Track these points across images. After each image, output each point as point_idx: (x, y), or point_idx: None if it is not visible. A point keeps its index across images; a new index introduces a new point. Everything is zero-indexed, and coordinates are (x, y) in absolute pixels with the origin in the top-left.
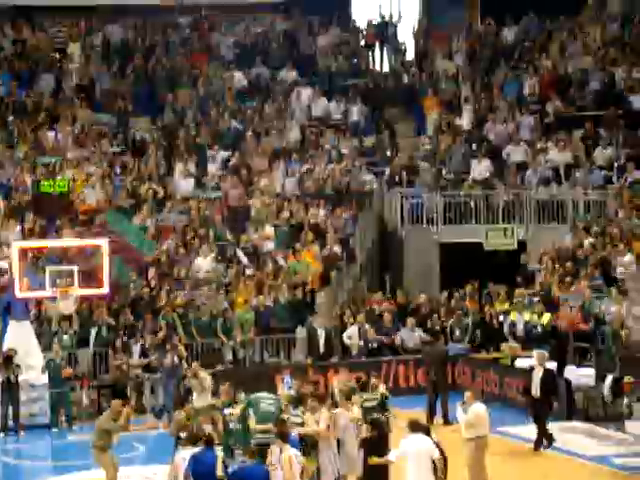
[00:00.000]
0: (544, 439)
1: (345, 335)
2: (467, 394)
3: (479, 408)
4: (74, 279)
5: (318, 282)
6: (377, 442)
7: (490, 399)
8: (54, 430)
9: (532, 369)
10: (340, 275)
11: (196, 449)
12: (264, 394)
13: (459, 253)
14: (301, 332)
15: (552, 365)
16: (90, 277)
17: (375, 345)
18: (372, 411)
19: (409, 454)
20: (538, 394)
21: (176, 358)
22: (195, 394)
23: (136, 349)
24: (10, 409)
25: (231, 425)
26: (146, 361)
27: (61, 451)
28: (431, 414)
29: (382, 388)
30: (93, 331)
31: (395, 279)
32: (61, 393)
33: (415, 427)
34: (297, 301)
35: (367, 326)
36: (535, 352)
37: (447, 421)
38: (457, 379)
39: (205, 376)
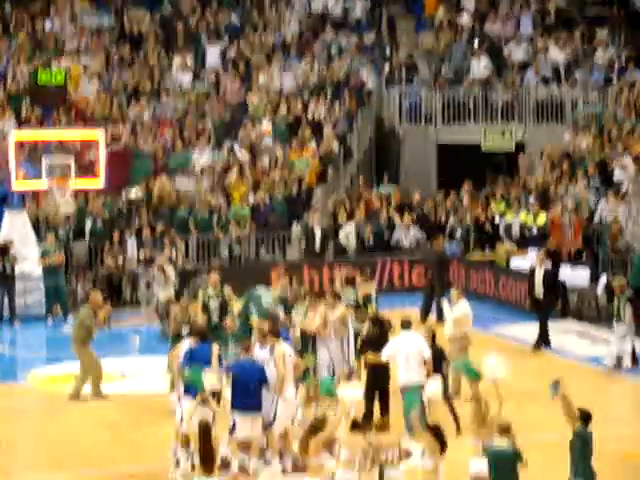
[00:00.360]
0: (542, 340)
1: (342, 233)
2: (453, 292)
3: (465, 306)
4: (70, 171)
5: (315, 179)
6: (377, 339)
7: (485, 299)
8: (49, 321)
9: (533, 271)
10: (337, 172)
11: (192, 343)
12: (263, 290)
13: (457, 153)
14: (297, 229)
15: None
16: (86, 169)
17: (371, 243)
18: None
19: (400, 352)
20: (540, 295)
21: (173, 252)
22: (159, 287)
23: (132, 243)
24: (5, 300)
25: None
26: (142, 255)
27: (55, 342)
28: (425, 312)
29: (373, 287)
30: (88, 222)
31: (392, 178)
32: (56, 285)
33: (406, 325)
34: (294, 198)
35: (363, 224)
36: (535, 253)
37: (440, 319)
38: (452, 279)
39: (170, 270)
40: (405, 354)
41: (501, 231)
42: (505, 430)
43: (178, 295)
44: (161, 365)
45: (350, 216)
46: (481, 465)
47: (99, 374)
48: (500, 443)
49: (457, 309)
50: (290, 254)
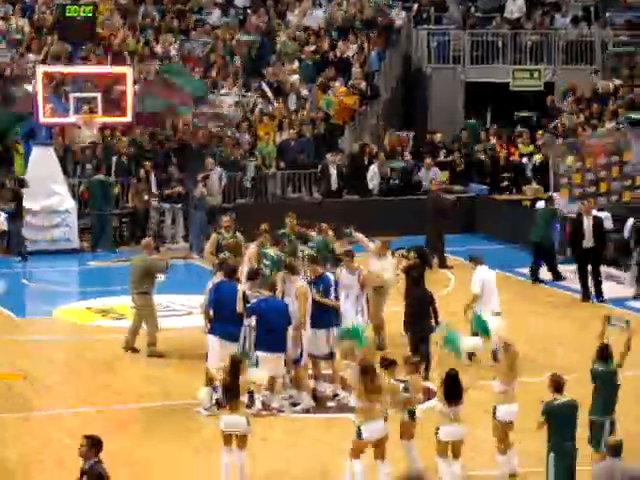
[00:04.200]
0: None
1: (369, 175)
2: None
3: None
4: (98, 106)
5: (342, 118)
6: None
7: (510, 241)
8: (78, 256)
9: (579, 219)
10: (364, 112)
11: (220, 278)
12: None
13: (485, 93)
14: (320, 167)
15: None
16: (114, 105)
17: (396, 182)
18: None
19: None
20: (590, 244)
21: (205, 189)
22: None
23: (153, 179)
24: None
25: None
26: (169, 191)
27: (83, 276)
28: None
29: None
30: (114, 160)
31: (419, 118)
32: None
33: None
34: (320, 136)
35: (387, 165)
36: (585, 201)
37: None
38: (477, 219)
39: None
40: (492, 285)
41: (528, 172)
42: (560, 385)
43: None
44: (191, 302)
45: (375, 157)
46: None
47: (155, 327)
48: (559, 398)
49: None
50: (316, 193)
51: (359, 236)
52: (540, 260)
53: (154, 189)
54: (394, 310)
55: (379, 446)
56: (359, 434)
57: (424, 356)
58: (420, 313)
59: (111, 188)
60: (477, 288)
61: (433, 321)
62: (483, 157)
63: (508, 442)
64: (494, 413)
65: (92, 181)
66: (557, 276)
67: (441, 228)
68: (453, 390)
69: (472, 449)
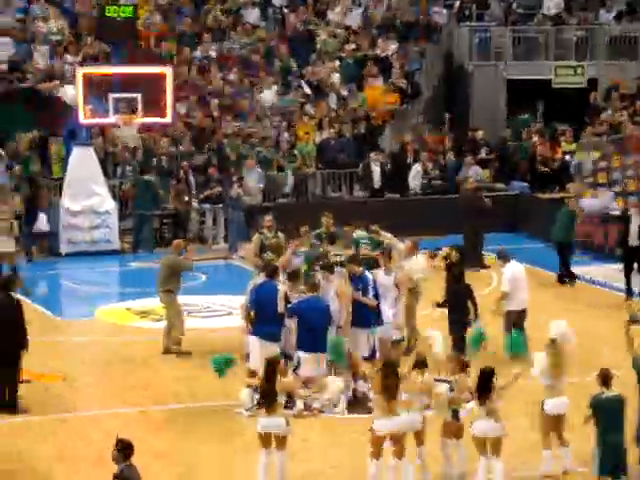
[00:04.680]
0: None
1: (411, 175)
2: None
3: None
4: (137, 107)
5: (382, 117)
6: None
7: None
8: (119, 257)
9: (626, 217)
10: (404, 110)
11: (261, 279)
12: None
13: (527, 91)
14: (360, 167)
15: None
16: (153, 105)
17: (438, 181)
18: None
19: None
20: (635, 243)
21: (241, 190)
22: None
23: (192, 181)
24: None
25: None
26: (209, 192)
27: (123, 277)
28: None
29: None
30: (154, 161)
31: (460, 116)
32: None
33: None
34: (361, 136)
35: (429, 164)
36: (630, 199)
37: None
38: (520, 218)
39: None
40: (522, 282)
41: (572, 170)
42: (608, 379)
43: None
44: (232, 303)
45: (416, 155)
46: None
47: (181, 328)
48: (607, 392)
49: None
50: (357, 192)
51: (387, 236)
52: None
53: (193, 190)
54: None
55: (396, 443)
56: (374, 429)
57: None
58: (458, 308)
59: (155, 189)
60: (507, 286)
61: (472, 316)
62: (525, 155)
63: (561, 437)
64: (542, 407)
65: (138, 180)
66: (571, 277)
67: (478, 227)
68: (484, 386)
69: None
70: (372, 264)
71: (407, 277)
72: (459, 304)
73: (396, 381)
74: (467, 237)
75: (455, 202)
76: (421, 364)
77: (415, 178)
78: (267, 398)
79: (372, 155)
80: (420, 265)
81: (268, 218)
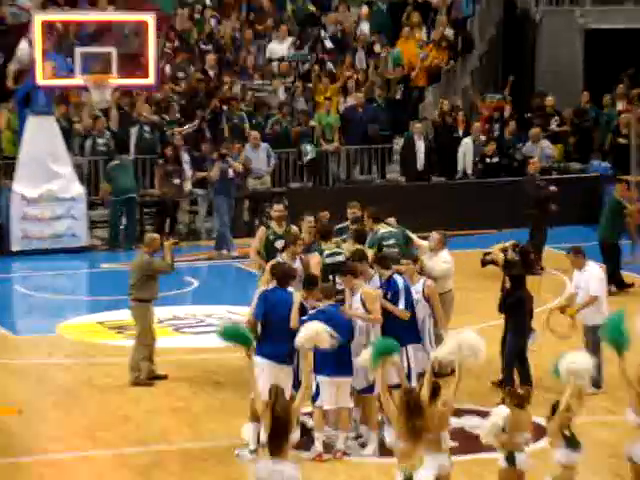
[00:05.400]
0: None
1: (460, 150)
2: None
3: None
4: (112, 65)
5: (424, 78)
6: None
7: None
8: (88, 256)
9: None
10: (453, 69)
11: (272, 285)
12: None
13: (610, 43)
14: (398, 142)
15: None
16: (131, 63)
17: (495, 160)
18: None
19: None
20: None
21: (231, 171)
22: None
23: (187, 158)
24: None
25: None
26: (201, 174)
27: (93, 282)
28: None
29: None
30: (133, 132)
31: (523, 76)
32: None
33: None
34: (396, 102)
35: (483, 138)
36: None
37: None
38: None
39: None
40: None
41: None
42: None
43: None
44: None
45: (468, 127)
46: None
47: (150, 346)
48: None
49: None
50: (391, 175)
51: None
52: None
53: (188, 172)
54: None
55: None
56: None
57: (525, 377)
58: (517, 321)
59: (135, 169)
60: (599, 290)
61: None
62: (608, 127)
63: None
64: (630, 457)
65: (113, 158)
66: (620, 284)
67: (540, 222)
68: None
69: None
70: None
71: (437, 288)
72: (519, 317)
73: (424, 421)
74: (532, 233)
75: (517, 187)
76: (433, 391)
77: (465, 156)
78: (273, 437)
79: (417, 125)
80: (441, 261)
81: (277, 207)
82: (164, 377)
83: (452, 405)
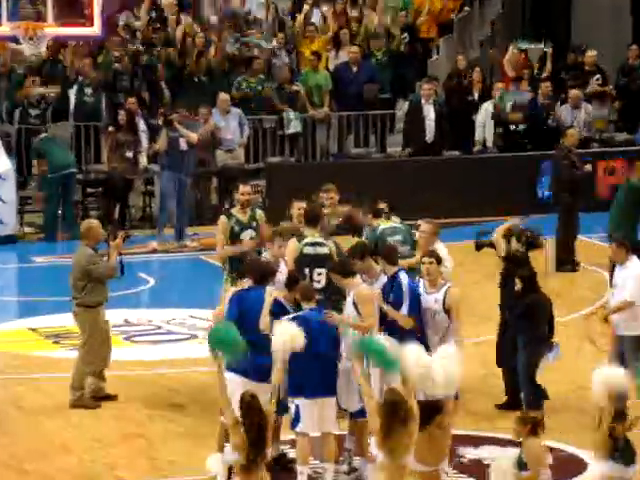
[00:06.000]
0: None
1: (479, 117)
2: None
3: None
4: (47, 11)
5: (434, 28)
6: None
7: None
8: (17, 247)
9: None
10: (468, 17)
11: (245, 285)
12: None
13: None
14: (402, 107)
15: None
16: (71, 9)
17: (522, 129)
18: None
19: None
20: None
21: (182, 141)
22: None
23: (143, 127)
24: None
25: None
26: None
27: (24, 279)
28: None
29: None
30: (72, 94)
31: (557, 26)
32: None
33: None
34: (400, 55)
35: (510, 99)
36: None
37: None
38: None
39: None
40: None
41: None
42: None
43: None
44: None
45: (487, 88)
46: None
47: (105, 359)
48: None
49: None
50: (393, 148)
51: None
52: None
53: (144, 143)
54: None
55: None
56: None
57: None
58: (533, 332)
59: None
60: (636, 294)
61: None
62: None
63: None
64: None
65: (49, 126)
66: None
67: (572, 207)
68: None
69: None
70: None
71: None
72: (534, 326)
73: (411, 432)
74: (561, 221)
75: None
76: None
77: (485, 125)
78: (246, 463)
79: (425, 87)
80: (448, 262)
81: (244, 189)
82: (113, 397)
83: (449, 430)
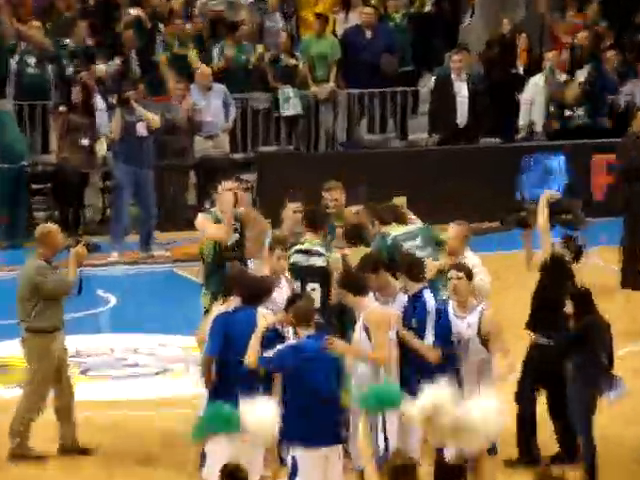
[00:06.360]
0: None
1: (524, 97)
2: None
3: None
4: None
5: None
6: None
7: None
8: None
9: None
10: None
11: (231, 305)
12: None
13: None
14: (427, 83)
15: None
16: None
17: (580, 112)
18: None
19: None
20: None
21: (141, 126)
22: None
23: (102, 105)
24: None
25: None
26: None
27: None
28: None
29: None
30: (12, 65)
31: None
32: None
33: None
34: (424, 17)
35: (562, 77)
36: None
37: None
38: None
39: None
40: None
41: None
42: None
43: None
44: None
45: (534, 61)
46: None
47: (68, 399)
48: None
49: None
50: (416, 134)
51: None
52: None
53: (103, 126)
54: None
55: None
56: None
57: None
58: (592, 360)
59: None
60: None
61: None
62: None
63: None
64: None
65: None
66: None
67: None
68: None
69: None
70: None
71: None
72: (590, 357)
73: None
74: (627, 224)
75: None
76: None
77: (533, 105)
78: None
79: (455, 58)
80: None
81: (227, 185)
82: (89, 452)
83: None
